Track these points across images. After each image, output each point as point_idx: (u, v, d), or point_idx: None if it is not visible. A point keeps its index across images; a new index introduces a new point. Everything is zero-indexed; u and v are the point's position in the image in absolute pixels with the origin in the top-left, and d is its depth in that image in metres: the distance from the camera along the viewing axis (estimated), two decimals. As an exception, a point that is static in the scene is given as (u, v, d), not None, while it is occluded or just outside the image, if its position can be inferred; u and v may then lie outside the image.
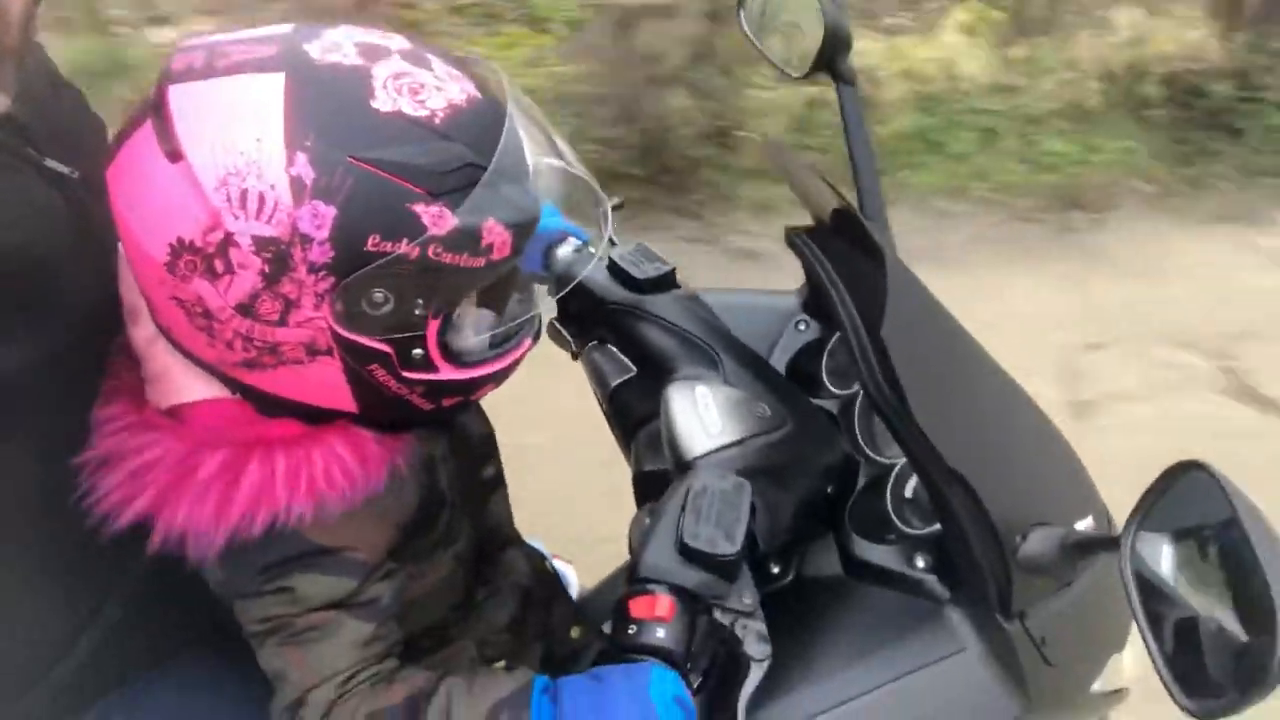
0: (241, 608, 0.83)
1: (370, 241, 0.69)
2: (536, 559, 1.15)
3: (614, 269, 1.08)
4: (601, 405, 1.18)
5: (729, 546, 0.82)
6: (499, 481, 1.06)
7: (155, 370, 0.82)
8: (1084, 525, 0.93)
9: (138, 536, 0.80)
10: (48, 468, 0.83)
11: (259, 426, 0.81)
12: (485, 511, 1.04)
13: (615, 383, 1.13)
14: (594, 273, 1.06)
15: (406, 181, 0.69)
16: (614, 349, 1.14)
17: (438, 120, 0.71)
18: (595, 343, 1.15)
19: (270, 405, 0.80)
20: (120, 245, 0.84)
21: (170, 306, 0.74)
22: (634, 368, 1.13)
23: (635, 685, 0.78)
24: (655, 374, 1.06)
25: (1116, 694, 1.05)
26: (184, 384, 0.81)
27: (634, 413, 1.11)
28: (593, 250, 1.00)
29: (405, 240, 0.70)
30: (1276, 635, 0.63)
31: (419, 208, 0.69)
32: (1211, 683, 0.69)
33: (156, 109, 0.70)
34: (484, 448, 1.03)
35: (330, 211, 0.68)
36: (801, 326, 1.13)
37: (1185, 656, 0.70)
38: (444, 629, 1.00)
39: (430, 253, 0.70)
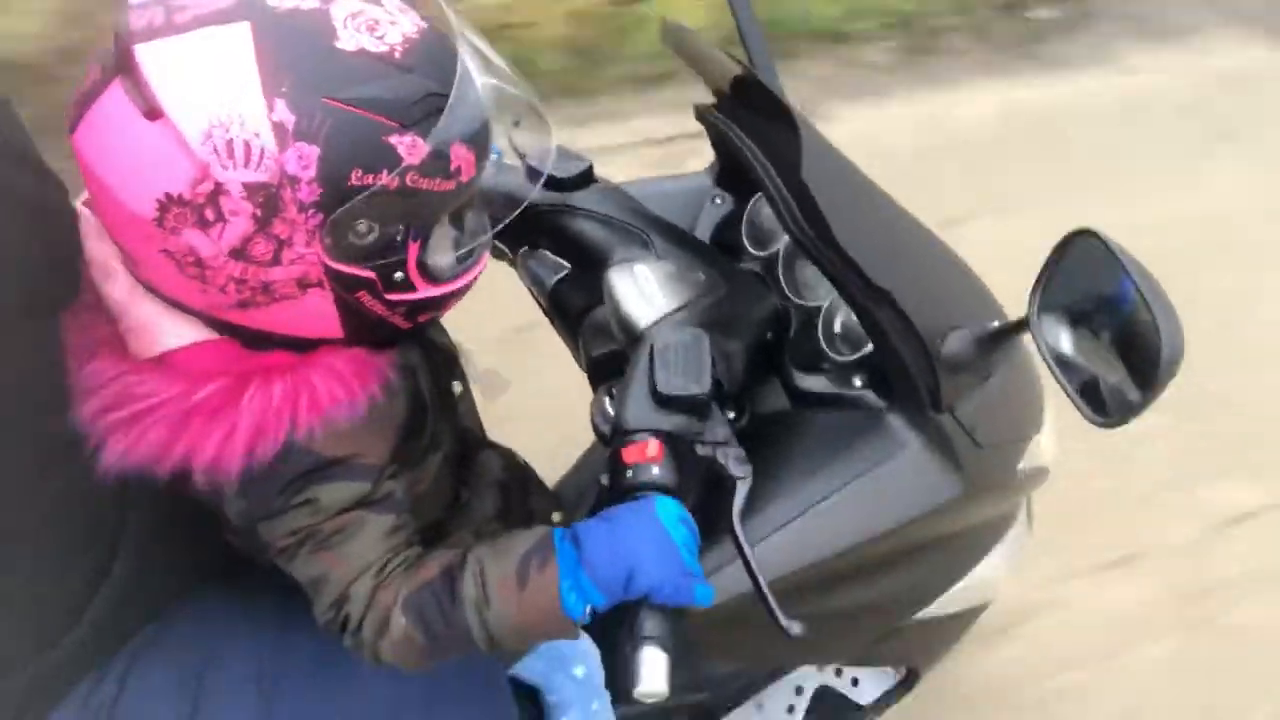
0: (267, 528, 0.88)
1: (354, 176, 0.74)
2: (508, 456, 1.23)
3: (529, 171, 1.15)
4: (541, 305, 1.27)
5: (699, 387, 0.93)
6: (465, 390, 1.13)
7: (137, 322, 0.85)
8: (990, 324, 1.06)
9: (138, 490, 0.83)
10: (40, 433, 0.86)
11: (250, 360, 0.85)
12: (457, 417, 1.11)
13: (553, 281, 1.22)
14: (514, 178, 1.12)
15: (380, 116, 0.74)
16: (546, 251, 1.23)
17: (398, 54, 0.75)
18: (526, 248, 1.23)
19: (259, 340, 0.85)
20: (84, 205, 0.87)
21: (158, 259, 0.77)
22: (567, 265, 1.22)
23: (644, 514, 0.87)
24: (590, 265, 1.15)
25: (1040, 471, 1.20)
26: (169, 331, 0.84)
27: (575, 306, 1.20)
28: (536, 167, 1.06)
29: (385, 171, 0.75)
30: (1159, 365, 0.76)
31: (394, 139, 0.75)
32: (1102, 407, 0.84)
33: (124, 69, 0.72)
34: (449, 361, 1.10)
35: (314, 152, 0.72)
36: (718, 201, 1.23)
37: (1086, 395, 0.85)
38: (440, 526, 1.08)
39: (408, 180, 0.76)
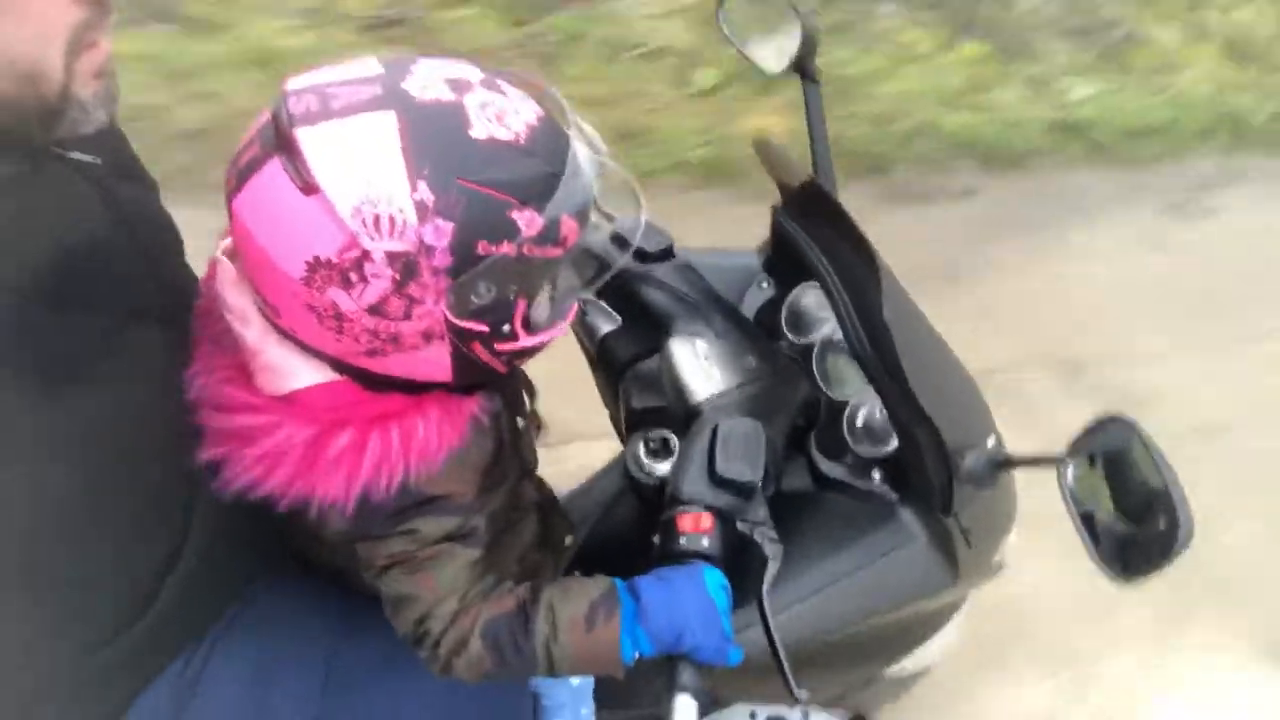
0: (366, 549, 0.99)
1: (480, 246, 0.84)
2: (541, 483, 1.34)
3: (616, 239, 1.26)
4: (587, 350, 1.38)
5: (753, 475, 1.06)
6: (528, 424, 1.23)
7: (270, 362, 0.93)
8: (991, 442, 1.22)
9: (207, 484, 0.92)
10: (116, 432, 0.93)
11: (370, 403, 0.95)
12: (521, 450, 1.22)
13: (604, 331, 1.33)
14: (605, 244, 1.22)
15: (505, 194, 0.84)
16: (602, 303, 1.34)
17: (522, 140, 0.85)
18: (587, 298, 1.33)
19: (378, 383, 0.94)
20: (228, 253, 0.95)
21: (301, 311, 0.86)
22: (619, 319, 1.33)
23: (694, 579, 1.01)
24: (648, 328, 1.27)
25: (1001, 563, 1.37)
26: (299, 371, 0.93)
27: (621, 357, 1.32)
28: (626, 237, 1.16)
29: (506, 242, 0.85)
30: (1176, 527, 0.91)
31: (515, 214, 0.85)
32: (1108, 557, 0.99)
33: (285, 148, 0.81)
34: (519, 397, 1.20)
35: (449, 226, 0.82)
36: (764, 285, 1.36)
37: (1093, 540, 1.00)
38: (497, 550, 1.18)
39: (524, 250, 0.86)
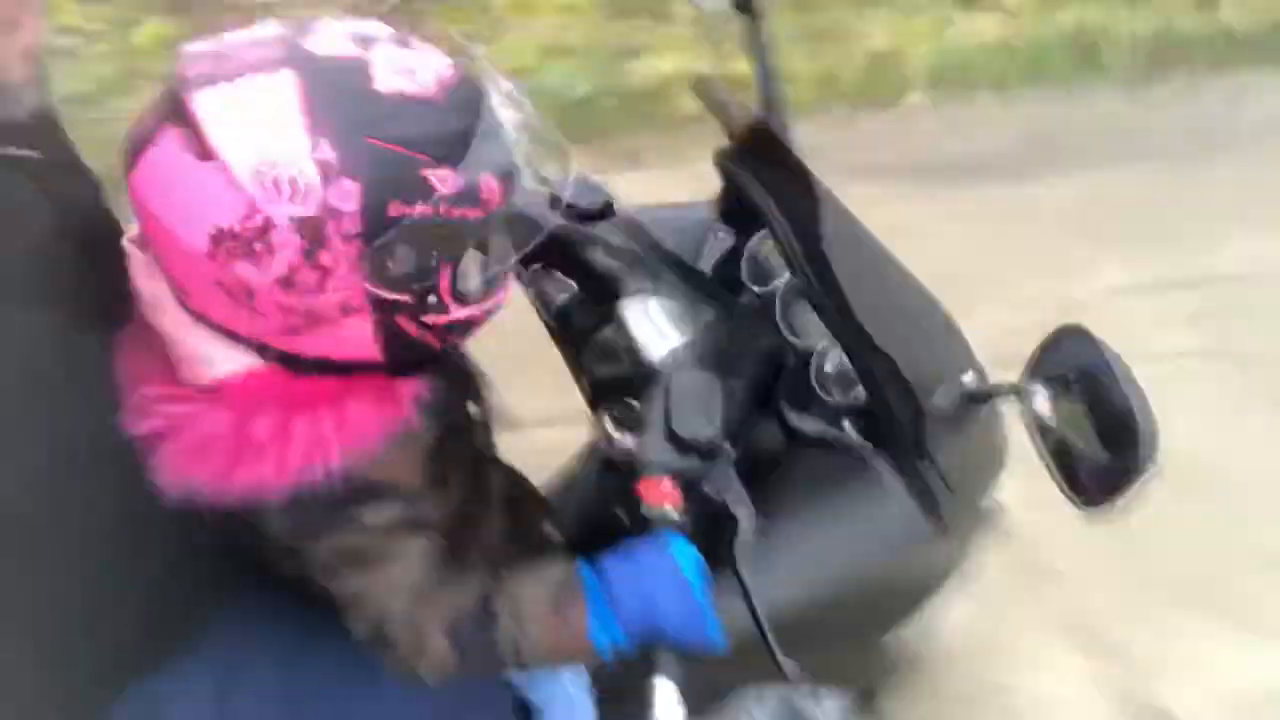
0: (311, 548, 0.93)
1: (392, 208, 0.79)
2: (510, 472, 1.29)
3: (548, 199, 1.21)
4: (546, 322, 1.32)
5: (710, 430, 1.00)
6: (480, 411, 1.19)
7: (189, 350, 0.89)
8: (968, 378, 1.15)
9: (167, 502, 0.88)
10: (64, 439, 0.90)
11: (296, 386, 0.90)
12: (473, 438, 1.17)
13: (560, 301, 1.28)
14: (538, 205, 1.17)
15: (416, 152, 0.79)
16: (555, 272, 1.28)
17: (432, 94, 0.81)
18: (537, 267, 1.28)
19: (303, 366, 0.90)
20: (136, 240, 0.91)
21: (210, 289, 0.82)
22: (575, 286, 1.28)
23: (661, 550, 0.96)
24: (601, 292, 1.21)
25: (997, 508, 1.31)
26: (220, 359, 0.89)
27: (580, 326, 1.26)
28: (557, 194, 1.12)
29: (420, 202, 0.80)
30: (1138, 451, 0.85)
31: (428, 172, 0.80)
32: (1082, 487, 0.93)
33: (179, 115, 0.77)
34: (467, 383, 1.15)
35: (355, 186, 0.77)
36: (720, 234, 1.30)
37: (1066, 471, 0.94)
38: (455, 545, 1.14)
39: (441, 210, 0.81)
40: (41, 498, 0.90)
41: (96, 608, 0.98)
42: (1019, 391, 0.94)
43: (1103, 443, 0.91)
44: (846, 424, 1.15)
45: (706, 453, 1.02)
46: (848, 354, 1.08)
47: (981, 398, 1.02)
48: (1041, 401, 0.94)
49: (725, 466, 1.05)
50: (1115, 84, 3.68)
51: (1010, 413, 1.11)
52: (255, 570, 1.06)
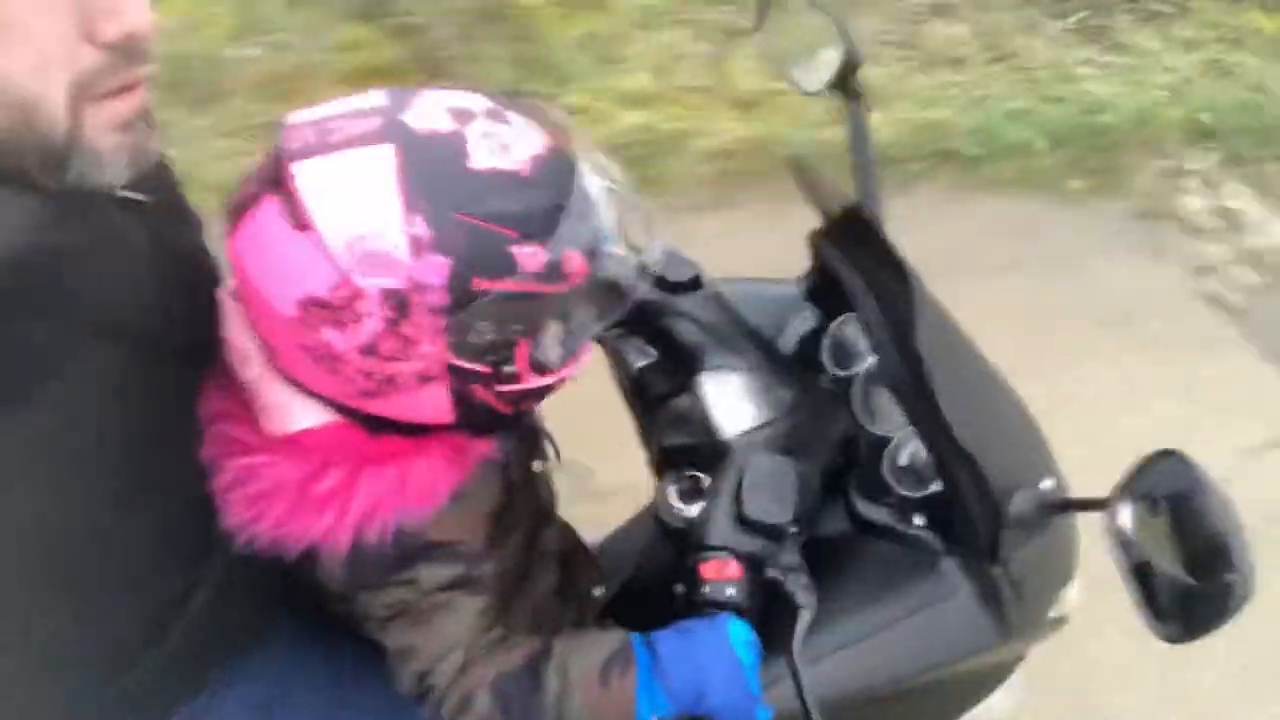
0: (366, 599, 0.94)
1: (477, 283, 0.80)
2: (566, 529, 1.29)
3: (636, 270, 1.21)
4: (621, 385, 1.33)
5: (783, 516, 0.99)
6: (544, 468, 1.19)
7: (269, 403, 0.91)
8: (1048, 484, 1.13)
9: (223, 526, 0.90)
10: (141, 460, 0.91)
11: (368, 444, 0.91)
12: (536, 496, 1.17)
13: (637, 366, 1.28)
14: (625, 275, 1.18)
15: (505, 229, 0.80)
16: (634, 338, 1.29)
17: (524, 171, 0.82)
18: (619, 331, 1.29)
19: (378, 425, 0.91)
20: (232, 293, 0.94)
21: (295, 351, 0.84)
22: (654, 353, 1.28)
23: (718, 633, 0.95)
24: (679, 362, 1.21)
25: (1061, 619, 1.27)
26: (298, 412, 0.91)
27: (654, 393, 1.26)
28: (647, 267, 1.12)
29: (505, 277, 0.81)
30: (1232, 579, 0.82)
31: (515, 249, 0.81)
32: (1164, 614, 0.90)
33: (278, 184, 0.79)
34: (533, 440, 1.15)
35: (444, 262, 0.79)
36: (805, 315, 1.29)
37: (1148, 594, 0.91)
38: (507, 600, 1.13)
39: (525, 286, 0.82)
40: (107, 522, 0.92)
41: (148, 632, 0.99)
42: (1105, 507, 0.91)
43: (1189, 569, 0.88)
44: (918, 519, 1.13)
45: (774, 536, 1.01)
46: (928, 449, 1.06)
47: (1064, 508, 0.99)
48: (1127, 519, 0.92)
49: (791, 550, 1.04)
50: None
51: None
52: (308, 601, 1.07)
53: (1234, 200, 3.45)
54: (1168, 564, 0.90)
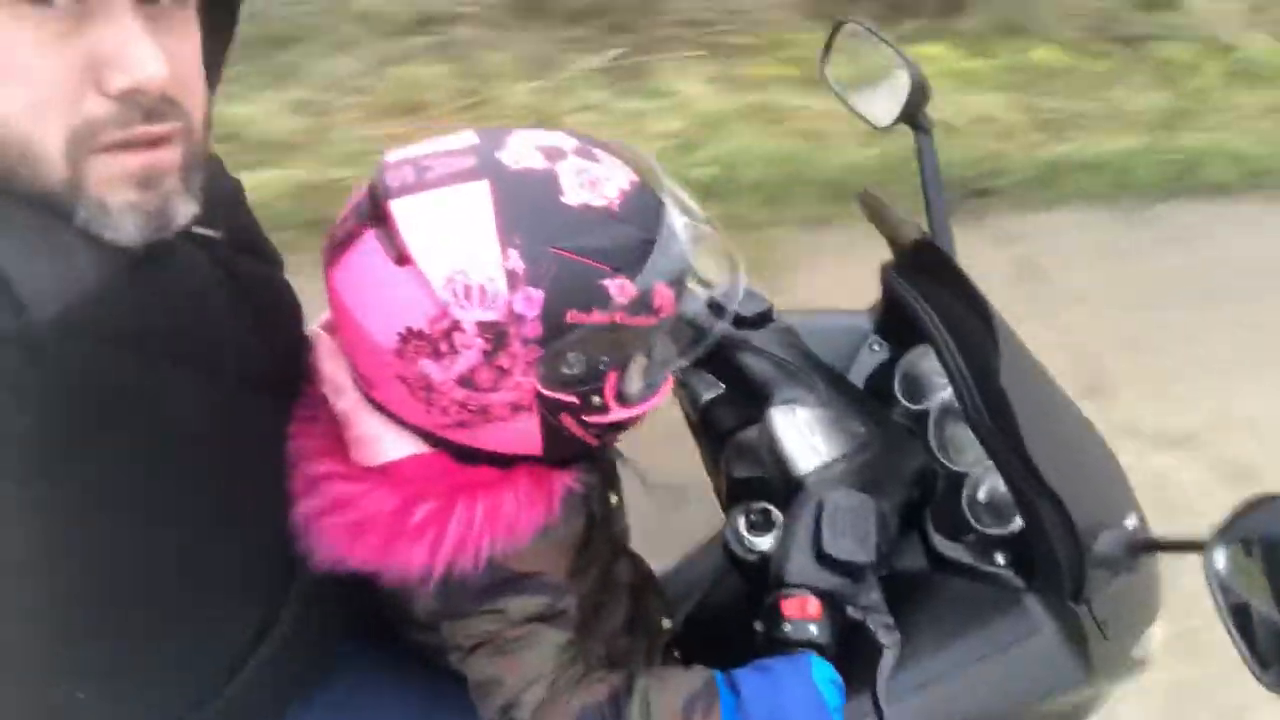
0: (450, 628, 0.95)
1: (570, 315, 0.82)
2: (638, 561, 1.28)
3: (713, 305, 1.21)
4: (689, 416, 1.32)
5: (864, 554, 0.98)
6: (620, 500, 1.19)
7: (363, 433, 0.93)
8: (1131, 521, 1.10)
9: (301, 553, 0.91)
10: (221, 495, 0.92)
11: (459, 475, 0.93)
12: (613, 528, 1.17)
13: (706, 399, 1.28)
14: (702, 311, 1.18)
15: (597, 262, 0.82)
16: (703, 369, 1.28)
17: (615, 206, 0.84)
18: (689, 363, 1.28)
19: (468, 455, 0.93)
20: (326, 326, 0.97)
21: (392, 382, 0.86)
22: (722, 386, 1.27)
23: (800, 672, 0.94)
24: (749, 396, 1.20)
25: (1142, 662, 1.24)
26: (389, 444, 0.92)
27: (723, 426, 1.26)
28: (724, 304, 1.12)
29: (597, 310, 0.83)
30: None
31: (607, 282, 0.83)
32: (1266, 659, 0.87)
33: (378, 220, 0.82)
34: (611, 473, 1.15)
35: (539, 294, 0.81)
36: (875, 347, 1.28)
37: (1248, 637, 0.88)
38: (585, 633, 1.13)
39: (616, 319, 0.84)
40: (192, 553, 0.92)
41: (228, 662, 0.99)
42: (1202, 549, 0.89)
43: None
44: (999, 557, 1.11)
45: (854, 574, 0.99)
46: (1010, 486, 1.04)
47: (1155, 548, 0.97)
48: (1224, 562, 0.89)
49: (871, 589, 1.02)
50: None
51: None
52: (385, 631, 1.08)
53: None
54: (1266, 607, 0.88)
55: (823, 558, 0.98)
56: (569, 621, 0.96)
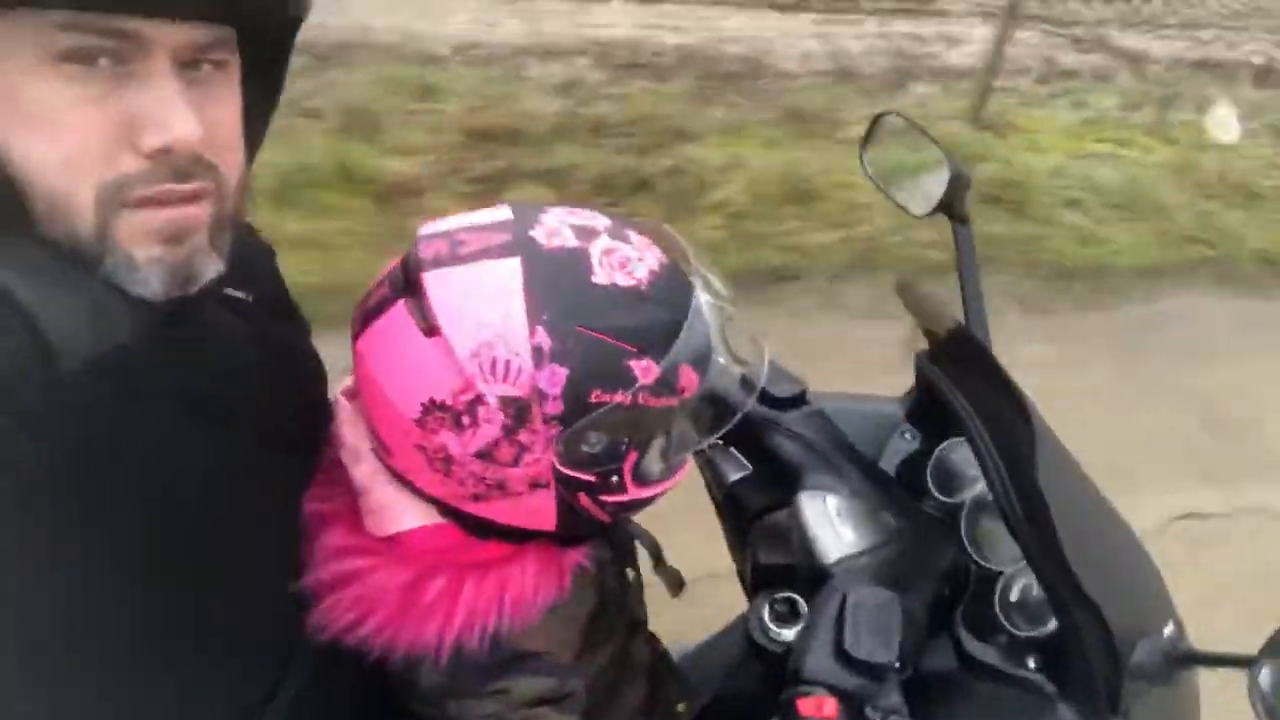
0: (456, 707, 0.92)
1: (593, 394, 0.82)
2: (654, 641, 1.25)
3: (742, 384, 1.19)
4: (714, 496, 1.29)
5: (887, 655, 0.94)
6: (638, 577, 1.16)
7: (377, 502, 0.92)
8: (1169, 632, 1.05)
9: (307, 620, 0.90)
10: (232, 553, 0.90)
11: (471, 549, 0.92)
12: (629, 605, 1.14)
13: (733, 478, 1.25)
14: (727, 383, 1.16)
15: (623, 343, 0.82)
16: (731, 449, 1.26)
17: (643, 287, 0.84)
18: (717, 442, 1.26)
19: (481, 529, 0.92)
20: (347, 392, 0.96)
21: (412, 451, 0.86)
22: (749, 466, 1.25)
23: None
24: (777, 479, 1.18)
25: None
26: (405, 513, 0.92)
27: (750, 507, 1.23)
28: (751, 383, 1.11)
29: (620, 390, 0.82)
30: None
31: (632, 362, 0.82)
32: None
33: (411, 290, 0.82)
34: (631, 548, 1.13)
35: (564, 372, 0.80)
36: (907, 436, 1.25)
37: None
38: (598, 715, 1.09)
39: (639, 399, 0.83)
40: (202, 611, 0.90)
41: (225, 710, 0.95)
42: (1249, 665, 0.85)
43: None
44: (1031, 661, 1.06)
45: (876, 675, 0.96)
46: (1045, 588, 1.00)
47: (1198, 662, 0.93)
48: (1269, 680, 0.85)
49: (892, 691, 0.98)
50: None
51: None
52: (390, 705, 1.05)
53: None
54: None
55: (843, 656, 0.95)
56: (576, 705, 0.93)
